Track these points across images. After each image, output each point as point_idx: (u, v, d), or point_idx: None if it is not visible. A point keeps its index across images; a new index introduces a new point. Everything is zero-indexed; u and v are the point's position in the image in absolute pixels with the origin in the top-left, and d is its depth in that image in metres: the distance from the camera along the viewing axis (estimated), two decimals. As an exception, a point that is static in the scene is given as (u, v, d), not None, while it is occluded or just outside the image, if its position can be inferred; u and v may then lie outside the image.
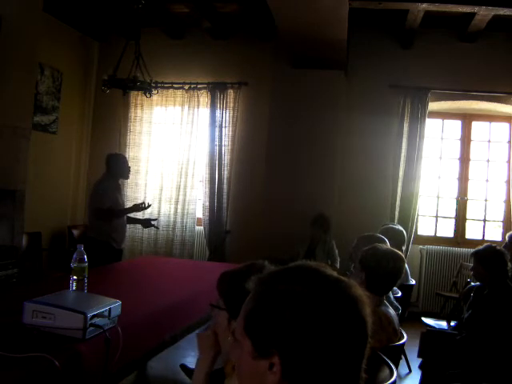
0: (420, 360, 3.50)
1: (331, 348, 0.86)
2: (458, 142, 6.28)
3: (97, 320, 2.06)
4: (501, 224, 6.20)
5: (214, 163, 6.34)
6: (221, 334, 1.61)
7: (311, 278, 0.91)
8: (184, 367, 3.60)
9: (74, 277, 2.44)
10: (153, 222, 5.10)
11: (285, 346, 0.86)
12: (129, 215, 4.92)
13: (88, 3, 5.88)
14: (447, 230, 6.33)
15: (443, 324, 4.31)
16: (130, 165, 5.09)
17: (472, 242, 5.80)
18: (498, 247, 3.44)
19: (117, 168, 4.79)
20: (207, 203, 6.33)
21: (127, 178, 5.06)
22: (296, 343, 0.85)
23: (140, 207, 4.77)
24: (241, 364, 0.93)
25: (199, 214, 6.50)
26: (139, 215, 5.50)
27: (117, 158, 4.95)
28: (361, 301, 0.91)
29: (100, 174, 4.88)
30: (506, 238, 4.71)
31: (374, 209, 5.97)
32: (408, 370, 4.22)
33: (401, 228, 4.66)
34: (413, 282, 4.48)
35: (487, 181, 6.23)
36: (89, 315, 2.02)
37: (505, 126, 6.27)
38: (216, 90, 6.36)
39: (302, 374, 0.86)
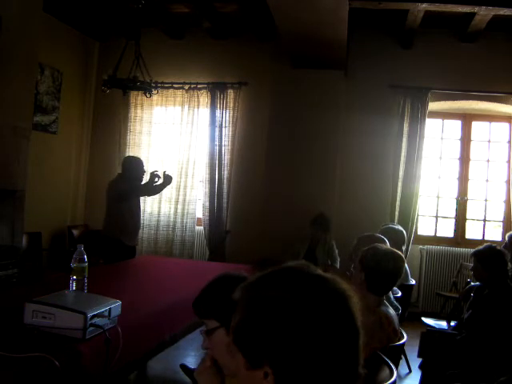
0: (420, 360, 3.51)
1: (321, 350, 0.85)
2: (458, 142, 6.28)
3: (97, 320, 2.06)
4: (501, 224, 6.20)
5: (214, 163, 6.34)
6: (223, 355, 1.47)
7: (291, 281, 0.89)
8: (184, 367, 3.59)
9: (74, 277, 2.44)
10: (156, 173, 4.99)
11: (274, 355, 0.85)
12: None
13: (88, 3, 5.88)
14: (447, 229, 6.33)
15: (443, 324, 4.31)
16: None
17: (472, 242, 5.81)
18: (498, 247, 3.44)
19: (131, 171, 4.91)
20: (207, 203, 6.33)
21: (142, 181, 5.07)
22: (285, 351, 0.84)
23: (155, 175, 4.85)
24: (239, 375, 0.93)
25: (199, 214, 6.50)
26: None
27: (132, 161, 5.06)
28: (346, 295, 0.89)
29: (100, 174, 4.91)
30: (506, 238, 4.70)
31: (374, 209, 5.98)
32: (408, 370, 4.22)
33: (401, 228, 4.66)
34: (413, 282, 4.48)
35: (487, 181, 6.23)
36: (89, 315, 2.02)
37: (505, 125, 6.26)
38: (216, 90, 6.36)
39: (296, 380, 0.85)
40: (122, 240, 4.81)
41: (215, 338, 1.49)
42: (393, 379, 1.79)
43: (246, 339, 0.89)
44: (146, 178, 5.04)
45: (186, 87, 6.46)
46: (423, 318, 4.58)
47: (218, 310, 1.49)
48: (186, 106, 6.48)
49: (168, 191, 6.47)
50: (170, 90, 6.48)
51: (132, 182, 4.91)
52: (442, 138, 6.32)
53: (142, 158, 5.37)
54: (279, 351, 0.85)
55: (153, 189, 5.01)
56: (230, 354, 0.96)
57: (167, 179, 5.00)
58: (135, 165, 4.97)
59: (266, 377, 0.86)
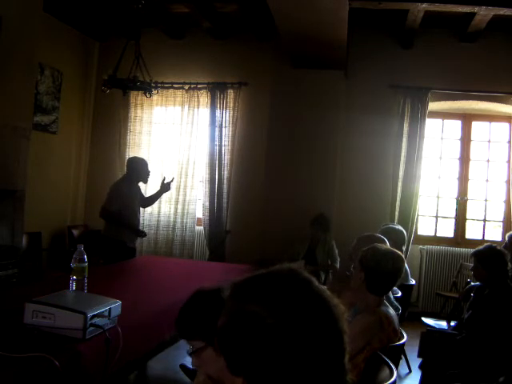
0: (420, 360, 3.51)
1: (297, 372, 0.84)
2: (458, 142, 6.28)
3: (97, 320, 2.06)
4: (501, 224, 6.20)
5: (214, 163, 6.34)
6: (216, 371, 1.46)
7: (275, 295, 0.88)
8: (184, 367, 3.58)
9: (74, 277, 2.44)
10: (167, 181, 5.18)
11: (249, 371, 0.86)
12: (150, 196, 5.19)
13: (88, 3, 5.88)
14: (447, 229, 6.33)
15: (443, 324, 4.31)
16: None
17: (472, 242, 5.81)
18: (498, 247, 3.44)
19: (136, 172, 4.93)
20: (207, 203, 6.33)
21: (146, 182, 5.15)
22: (259, 370, 0.85)
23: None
24: (225, 373, 0.94)
25: (199, 214, 6.50)
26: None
27: (137, 161, 5.08)
28: (335, 316, 0.87)
29: (100, 174, 4.92)
30: (506, 238, 4.70)
31: (374, 209, 5.97)
32: (408, 370, 4.22)
33: (401, 228, 4.66)
34: (413, 282, 4.48)
35: (487, 181, 6.23)
36: (89, 315, 2.02)
37: (505, 125, 6.27)
38: (216, 90, 6.36)
39: None
40: (123, 240, 4.82)
41: (204, 357, 1.48)
42: (393, 379, 1.79)
43: (226, 348, 0.89)
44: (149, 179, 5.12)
45: (186, 87, 6.46)
46: (423, 318, 4.58)
47: (200, 330, 1.47)
48: (186, 106, 6.48)
49: (168, 191, 6.47)
50: (170, 90, 6.48)
51: (135, 185, 4.96)
52: (441, 138, 6.32)
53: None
54: (254, 369, 0.85)
55: (151, 202, 5.10)
56: (221, 370, 0.97)
57: (164, 187, 5.04)
58: (140, 166, 4.98)
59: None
